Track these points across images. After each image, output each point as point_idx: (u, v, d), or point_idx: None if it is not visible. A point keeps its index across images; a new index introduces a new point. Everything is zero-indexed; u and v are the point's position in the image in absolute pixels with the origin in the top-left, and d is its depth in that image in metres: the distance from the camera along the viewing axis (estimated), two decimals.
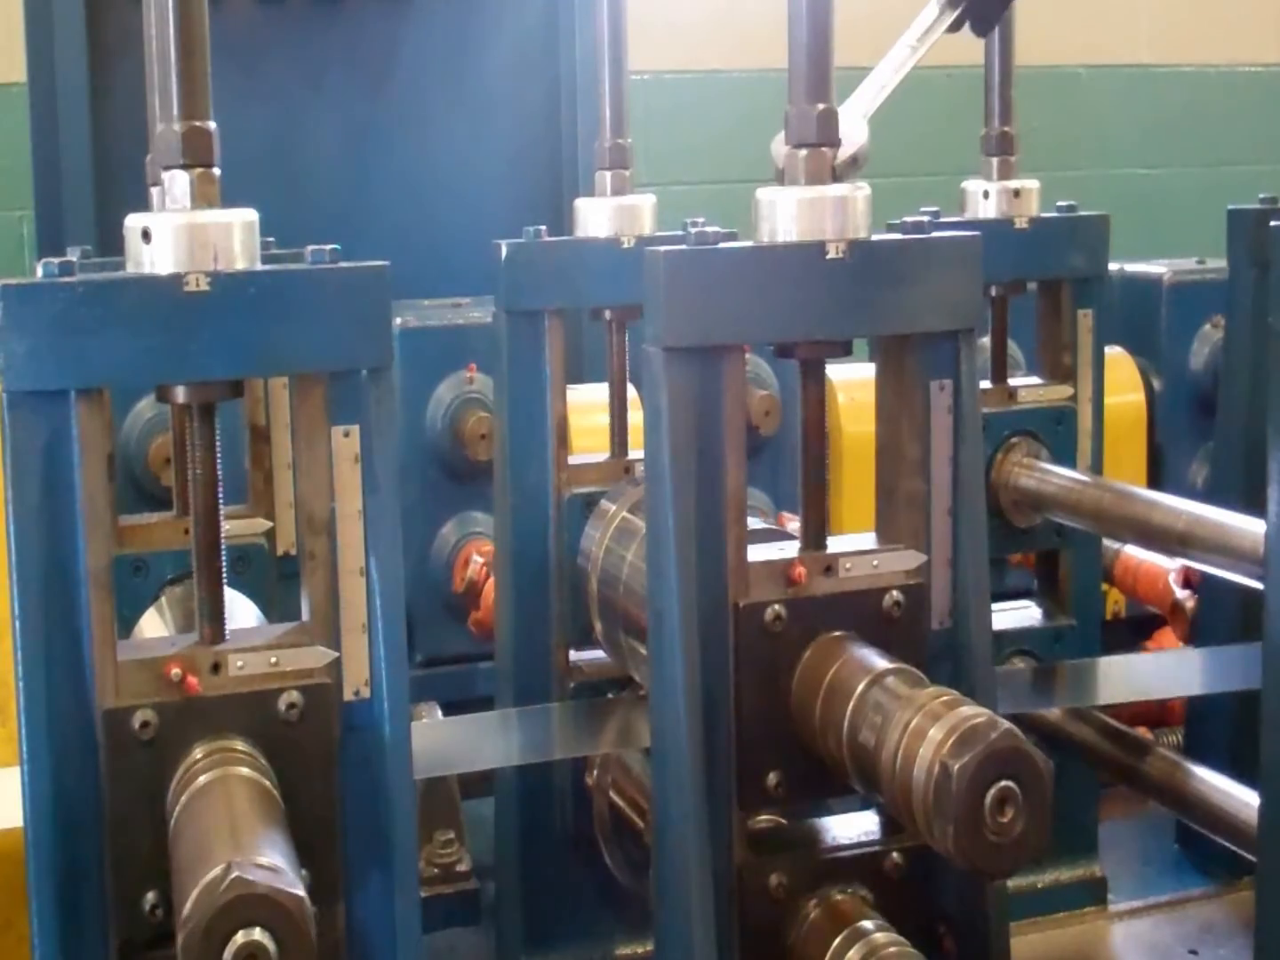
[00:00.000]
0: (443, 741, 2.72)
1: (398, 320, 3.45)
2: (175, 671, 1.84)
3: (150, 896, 1.81)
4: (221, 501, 1.93)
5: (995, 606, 2.29)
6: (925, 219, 2.22)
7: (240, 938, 1.51)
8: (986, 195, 3.02)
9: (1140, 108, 6.40)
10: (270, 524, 2.76)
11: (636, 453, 2.82)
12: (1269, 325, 2.50)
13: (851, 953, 2.00)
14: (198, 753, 1.82)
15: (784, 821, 2.22)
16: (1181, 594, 3.19)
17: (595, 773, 2.76)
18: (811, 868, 2.12)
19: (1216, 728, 3.20)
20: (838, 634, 2.10)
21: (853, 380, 3.51)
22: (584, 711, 2.79)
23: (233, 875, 1.52)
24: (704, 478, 2.06)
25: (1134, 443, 3.93)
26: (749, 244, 2.08)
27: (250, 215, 1.84)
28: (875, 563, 2.15)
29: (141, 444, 3.35)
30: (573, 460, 2.85)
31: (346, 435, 1.88)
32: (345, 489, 1.88)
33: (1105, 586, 3.35)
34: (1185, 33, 6.46)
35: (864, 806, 2.21)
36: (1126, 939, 3.13)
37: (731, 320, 2.03)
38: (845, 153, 2.08)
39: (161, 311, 1.77)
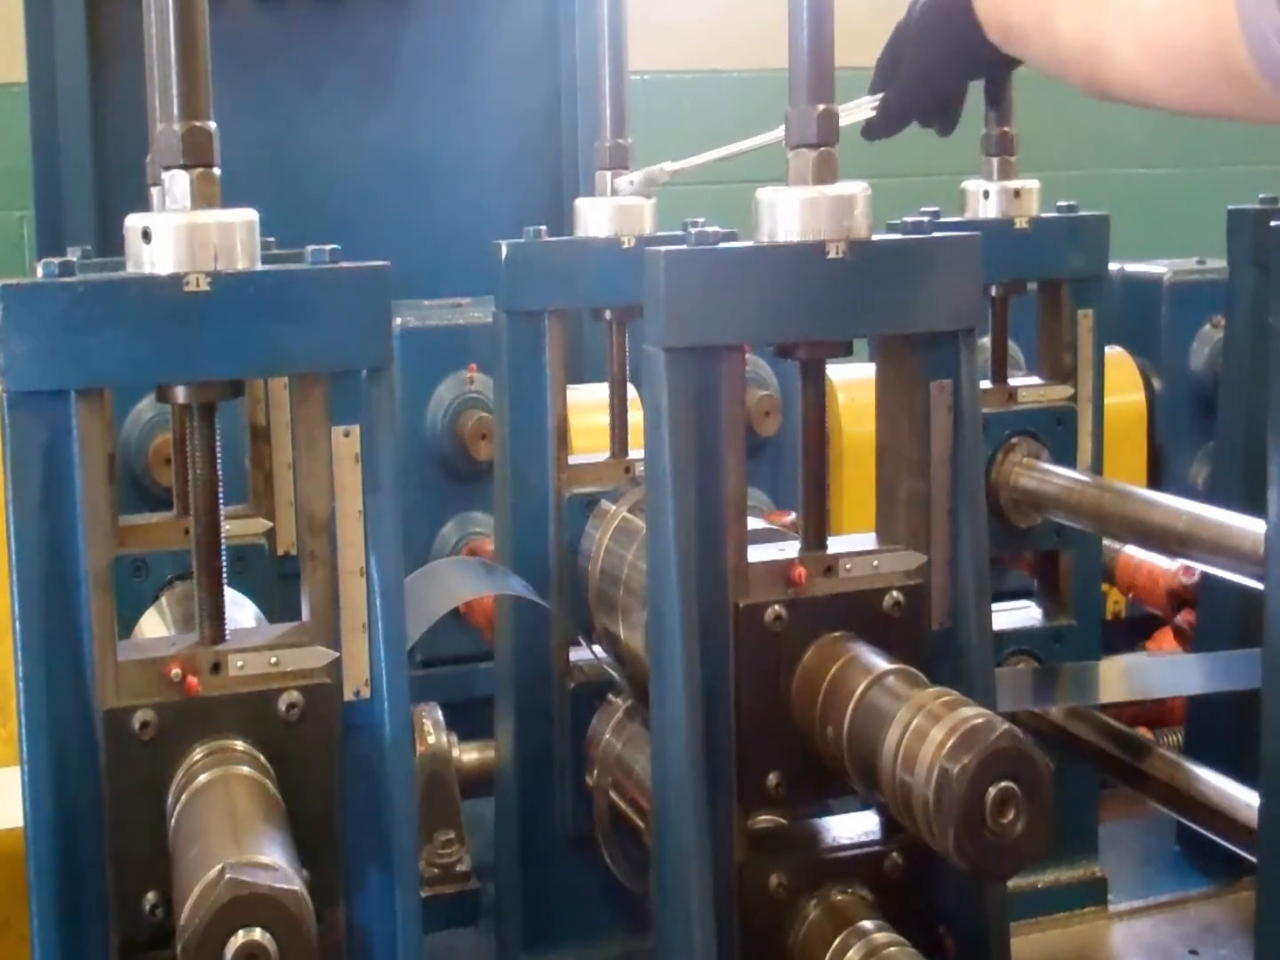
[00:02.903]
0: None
1: (398, 320, 3.44)
2: (175, 671, 1.83)
3: (150, 896, 1.81)
4: (221, 501, 1.93)
5: (995, 606, 2.29)
6: (925, 219, 2.22)
7: (240, 937, 1.50)
8: (986, 195, 3.02)
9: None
10: (270, 524, 2.75)
11: (636, 453, 2.82)
12: (1269, 325, 2.50)
13: (851, 953, 2.00)
14: (198, 753, 1.81)
15: (784, 821, 2.22)
16: (1180, 618, 3.20)
17: (595, 772, 2.75)
18: (811, 868, 2.12)
19: (1216, 728, 3.19)
20: (838, 634, 2.10)
21: (853, 380, 3.50)
22: None
23: (232, 875, 1.52)
24: (704, 478, 2.06)
25: (1134, 443, 3.93)
26: (749, 244, 2.08)
27: (250, 215, 1.84)
28: (875, 563, 2.15)
29: (141, 444, 3.34)
30: (573, 460, 2.84)
31: (346, 435, 1.87)
32: (345, 489, 1.88)
33: (1105, 586, 3.34)
34: None
35: (864, 806, 2.21)
36: (1126, 939, 3.13)
37: (731, 320, 2.03)
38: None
39: (162, 311, 1.77)
